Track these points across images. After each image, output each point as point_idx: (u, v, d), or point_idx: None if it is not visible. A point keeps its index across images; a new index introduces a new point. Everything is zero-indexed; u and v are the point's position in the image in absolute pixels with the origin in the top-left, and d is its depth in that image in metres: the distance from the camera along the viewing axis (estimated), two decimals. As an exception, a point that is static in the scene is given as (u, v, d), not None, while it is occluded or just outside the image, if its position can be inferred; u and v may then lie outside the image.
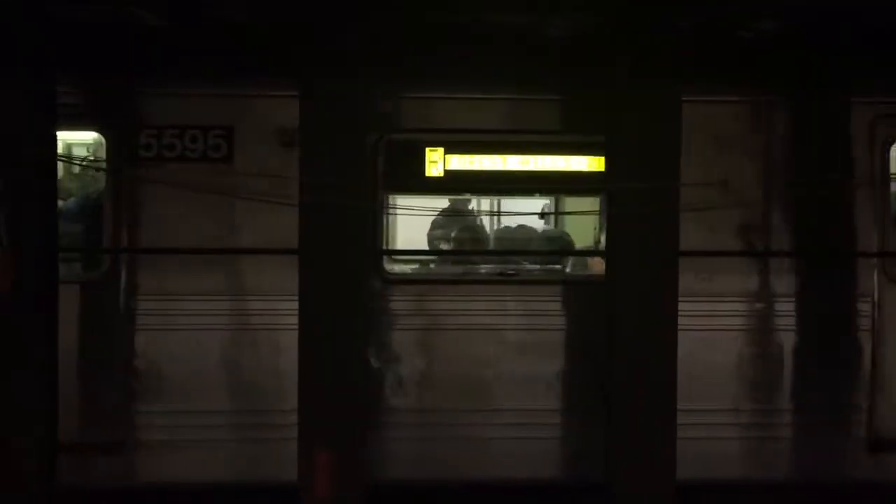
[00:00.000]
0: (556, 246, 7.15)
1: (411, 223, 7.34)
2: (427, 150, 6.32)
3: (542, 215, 7.89)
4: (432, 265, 7.00)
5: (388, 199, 6.49)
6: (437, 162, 6.34)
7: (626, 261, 5.59)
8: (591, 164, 6.38)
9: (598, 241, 6.69)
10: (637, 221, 5.53)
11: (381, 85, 5.95)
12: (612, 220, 5.72)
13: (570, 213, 7.64)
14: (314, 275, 5.46)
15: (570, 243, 7.19)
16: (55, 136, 5.55)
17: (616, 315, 5.58)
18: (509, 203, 7.71)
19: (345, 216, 5.39)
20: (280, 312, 5.97)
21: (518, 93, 6.27)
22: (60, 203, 6.09)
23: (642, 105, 5.51)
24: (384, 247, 6.35)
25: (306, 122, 5.50)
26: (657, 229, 5.55)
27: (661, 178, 5.49)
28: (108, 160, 6.19)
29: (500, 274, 6.43)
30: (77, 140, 7.08)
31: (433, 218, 7.32)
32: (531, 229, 7.44)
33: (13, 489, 5.29)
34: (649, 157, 5.52)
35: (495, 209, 7.96)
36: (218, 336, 6.12)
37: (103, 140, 6.23)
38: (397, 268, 6.83)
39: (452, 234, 7.17)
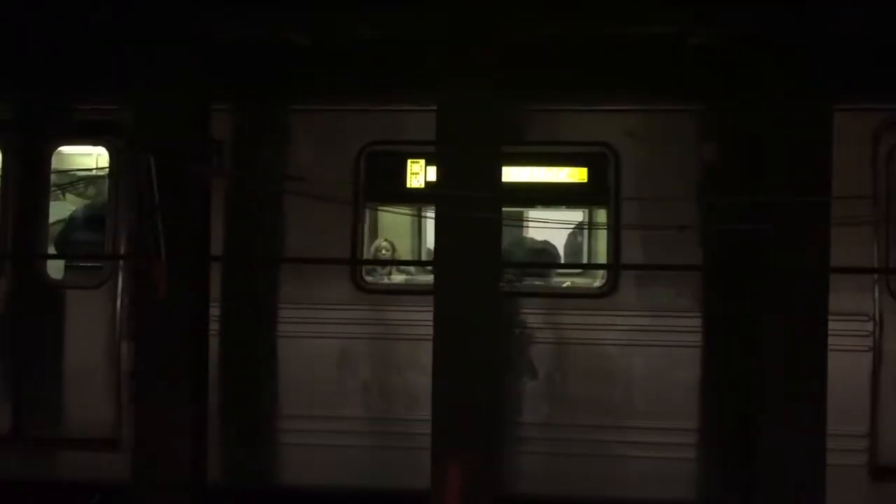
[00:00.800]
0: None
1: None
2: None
3: None
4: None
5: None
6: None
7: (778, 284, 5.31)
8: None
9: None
10: (791, 237, 5.24)
11: (514, 97, 5.92)
12: (772, 239, 5.43)
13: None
14: (448, 286, 5.46)
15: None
16: (210, 152, 5.87)
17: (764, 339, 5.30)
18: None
19: (479, 227, 5.37)
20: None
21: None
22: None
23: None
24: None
25: (442, 134, 5.53)
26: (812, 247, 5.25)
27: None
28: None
29: None
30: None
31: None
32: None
33: (167, 490, 5.58)
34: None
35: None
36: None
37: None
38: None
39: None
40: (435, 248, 5.57)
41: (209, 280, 5.93)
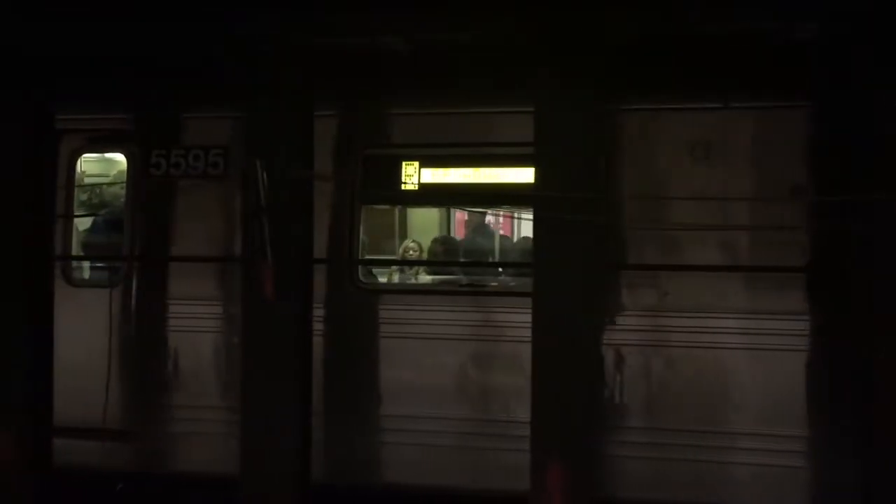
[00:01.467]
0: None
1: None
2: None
3: None
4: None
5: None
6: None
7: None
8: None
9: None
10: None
11: (614, 98, 5.91)
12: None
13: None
14: (548, 289, 5.48)
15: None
16: (312, 156, 6.01)
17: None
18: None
19: (578, 229, 5.37)
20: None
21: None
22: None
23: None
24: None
25: (541, 137, 5.55)
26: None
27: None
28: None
29: None
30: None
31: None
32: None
33: (274, 487, 5.74)
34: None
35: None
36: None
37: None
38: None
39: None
40: (534, 250, 5.60)
41: (312, 281, 6.08)
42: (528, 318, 5.45)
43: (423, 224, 8.55)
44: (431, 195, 6.75)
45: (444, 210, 8.42)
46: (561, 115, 5.47)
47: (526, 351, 5.49)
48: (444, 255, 7.34)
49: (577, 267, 5.39)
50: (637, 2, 5.48)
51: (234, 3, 5.71)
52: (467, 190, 6.62)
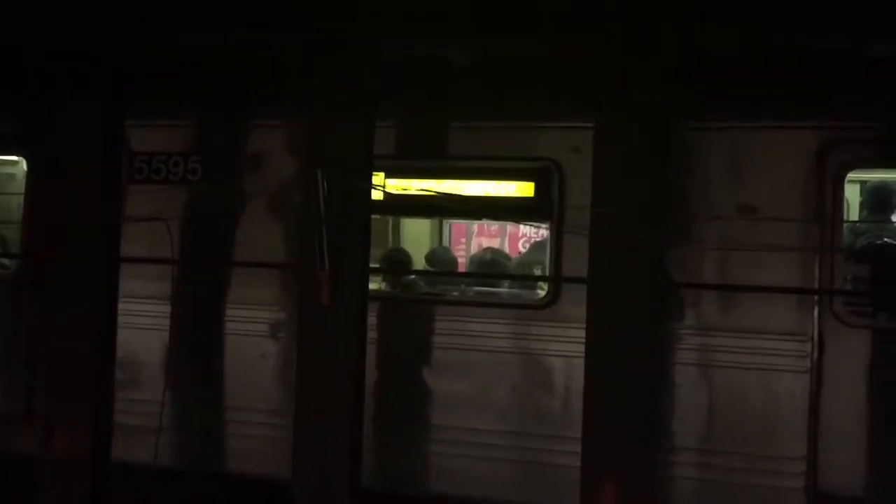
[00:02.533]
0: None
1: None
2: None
3: None
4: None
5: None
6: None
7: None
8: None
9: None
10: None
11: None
12: None
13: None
14: (602, 305, 5.45)
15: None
16: (371, 168, 6.08)
17: None
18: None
19: (635, 246, 5.32)
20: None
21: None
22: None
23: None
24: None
25: (600, 151, 5.52)
26: None
27: None
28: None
29: None
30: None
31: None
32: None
33: (326, 492, 5.80)
34: None
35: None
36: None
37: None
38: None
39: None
40: (589, 265, 5.57)
41: (368, 289, 6.14)
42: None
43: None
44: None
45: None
46: (621, 128, 5.45)
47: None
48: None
49: (633, 283, 5.35)
50: (713, 15, 5.41)
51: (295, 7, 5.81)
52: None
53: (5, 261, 7.83)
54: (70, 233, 6.39)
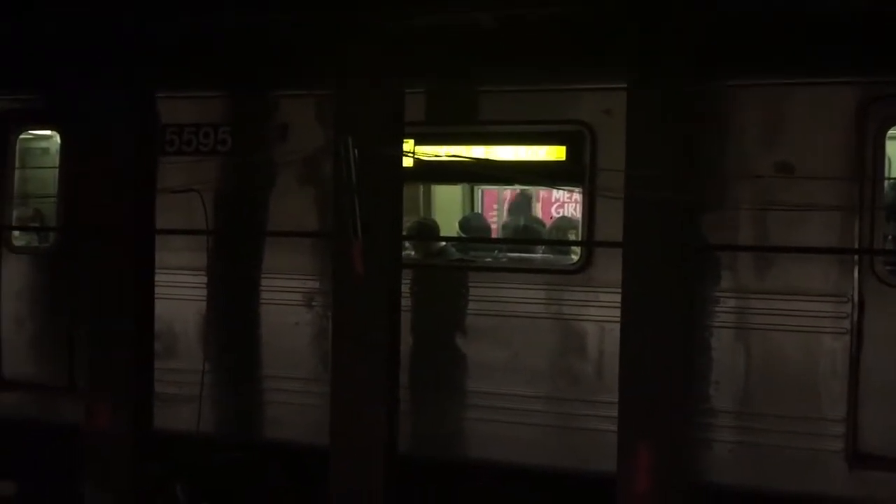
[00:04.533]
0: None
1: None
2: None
3: None
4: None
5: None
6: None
7: None
8: None
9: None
10: None
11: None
12: None
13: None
14: (636, 268, 5.41)
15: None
16: (402, 134, 6.05)
17: None
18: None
19: (670, 209, 5.26)
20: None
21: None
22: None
23: None
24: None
25: (633, 113, 5.45)
26: None
27: None
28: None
29: None
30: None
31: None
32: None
33: (363, 456, 5.86)
34: None
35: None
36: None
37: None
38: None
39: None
40: (623, 229, 5.52)
41: (401, 258, 6.14)
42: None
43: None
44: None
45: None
46: (654, 90, 5.37)
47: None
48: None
49: (668, 247, 5.30)
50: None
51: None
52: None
53: (42, 234, 7.94)
54: (106, 206, 6.45)
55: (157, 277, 6.68)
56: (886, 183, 6.03)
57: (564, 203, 10.69)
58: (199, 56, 6.99)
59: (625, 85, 5.58)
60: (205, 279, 7.03)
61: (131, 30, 6.37)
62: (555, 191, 9.98)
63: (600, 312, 6.19)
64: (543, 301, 6.43)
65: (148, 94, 6.59)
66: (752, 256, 6.00)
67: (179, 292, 7.06)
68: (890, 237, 6.12)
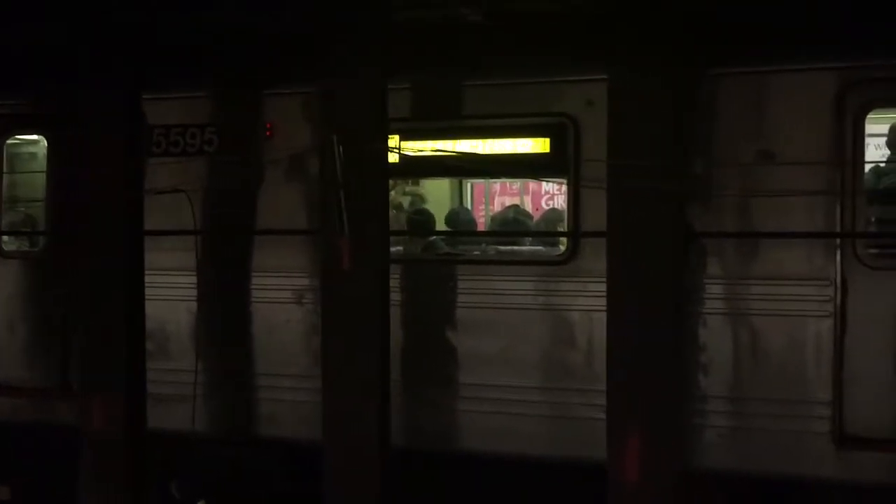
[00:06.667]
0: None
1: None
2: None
3: None
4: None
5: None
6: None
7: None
8: None
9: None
10: None
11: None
12: None
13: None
14: (623, 256, 5.46)
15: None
16: (387, 131, 6.08)
17: None
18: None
19: (654, 197, 5.32)
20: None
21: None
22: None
23: None
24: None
25: (615, 103, 5.50)
26: None
27: None
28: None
29: None
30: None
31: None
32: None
33: (355, 450, 5.91)
34: None
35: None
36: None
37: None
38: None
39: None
40: (607, 218, 5.57)
41: (389, 253, 6.18)
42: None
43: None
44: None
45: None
46: (635, 80, 5.42)
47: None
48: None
49: (654, 236, 5.35)
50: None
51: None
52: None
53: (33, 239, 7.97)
54: (95, 209, 6.48)
55: (147, 279, 6.71)
56: (867, 167, 6.08)
57: (554, 195, 10.74)
58: (184, 57, 7.02)
59: (605, 76, 5.62)
60: (195, 279, 7.05)
61: (115, 32, 6.39)
62: (544, 183, 10.02)
63: (588, 302, 6.24)
64: (532, 292, 6.48)
65: (134, 96, 6.61)
66: (736, 242, 6.06)
67: (170, 293, 7.09)
68: (873, 220, 6.18)
